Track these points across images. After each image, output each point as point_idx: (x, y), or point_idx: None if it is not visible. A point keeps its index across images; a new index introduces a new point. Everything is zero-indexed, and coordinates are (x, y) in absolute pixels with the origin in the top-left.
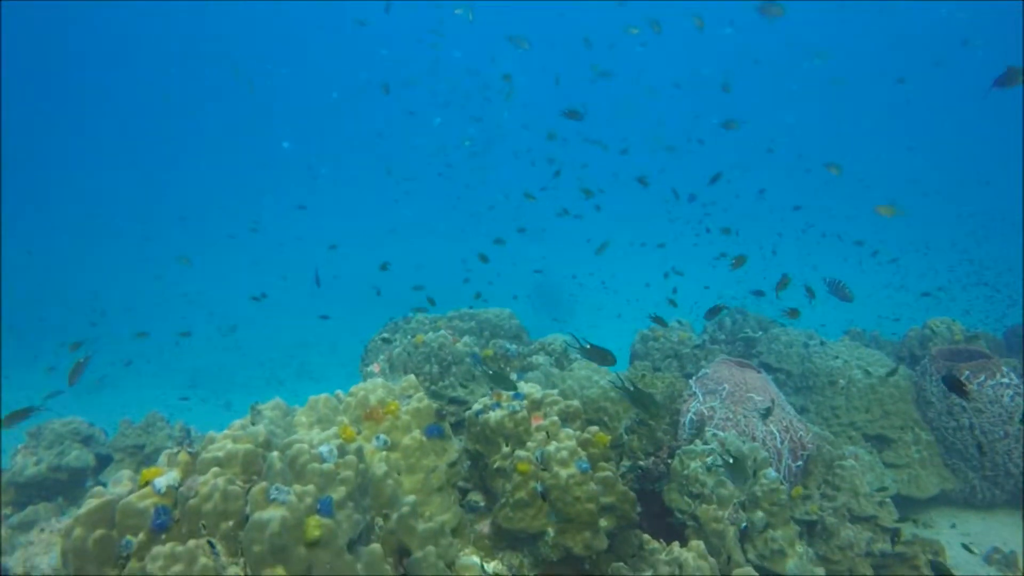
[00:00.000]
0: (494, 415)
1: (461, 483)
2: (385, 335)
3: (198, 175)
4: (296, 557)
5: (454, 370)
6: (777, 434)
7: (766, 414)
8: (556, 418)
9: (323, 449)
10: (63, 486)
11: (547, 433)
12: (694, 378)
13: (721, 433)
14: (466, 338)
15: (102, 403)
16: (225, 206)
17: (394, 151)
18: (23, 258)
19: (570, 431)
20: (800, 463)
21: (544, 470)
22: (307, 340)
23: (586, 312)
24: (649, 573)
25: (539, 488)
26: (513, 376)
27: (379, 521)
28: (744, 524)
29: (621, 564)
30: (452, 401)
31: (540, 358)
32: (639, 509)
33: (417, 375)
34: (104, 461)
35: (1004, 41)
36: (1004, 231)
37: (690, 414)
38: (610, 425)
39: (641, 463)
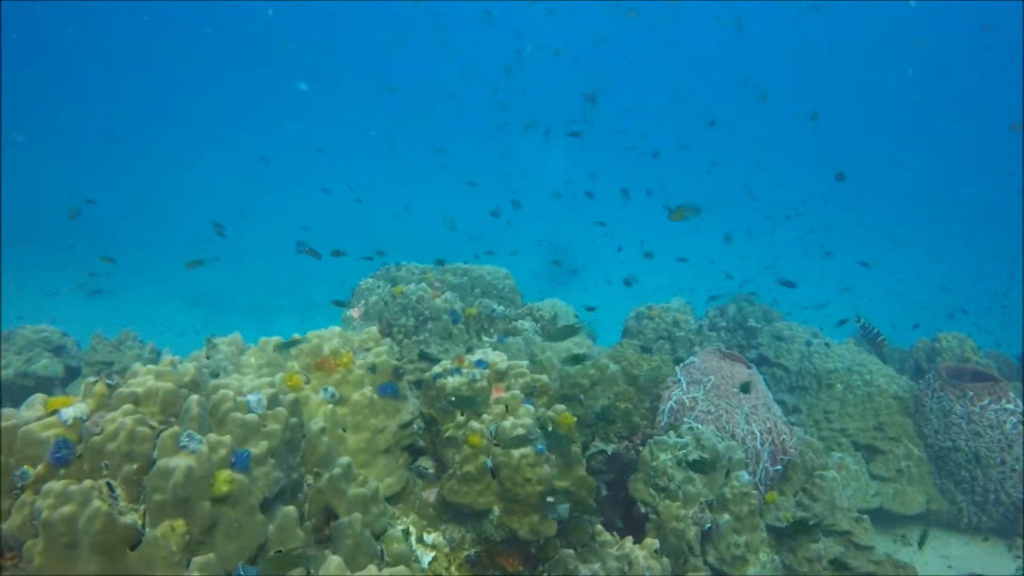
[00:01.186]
0: (452, 380)
1: (421, 446)
2: (369, 282)
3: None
4: (200, 511)
5: (431, 326)
6: (758, 434)
7: (744, 389)
8: (519, 392)
9: (251, 398)
10: (29, 393)
11: (506, 407)
12: (681, 365)
13: (698, 427)
14: (448, 293)
15: (105, 313)
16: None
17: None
18: (25, 164)
19: (530, 408)
20: (779, 467)
21: (497, 446)
22: (317, 275)
23: (594, 279)
24: (597, 566)
25: (489, 464)
26: (492, 339)
27: (309, 479)
28: (708, 525)
29: (570, 553)
30: (424, 357)
31: (526, 323)
32: (603, 494)
33: (392, 327)
34: (73, 373)
35: (1004, 41)
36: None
37: (671, 402)
38: (586, 403)
39: (608, 447)
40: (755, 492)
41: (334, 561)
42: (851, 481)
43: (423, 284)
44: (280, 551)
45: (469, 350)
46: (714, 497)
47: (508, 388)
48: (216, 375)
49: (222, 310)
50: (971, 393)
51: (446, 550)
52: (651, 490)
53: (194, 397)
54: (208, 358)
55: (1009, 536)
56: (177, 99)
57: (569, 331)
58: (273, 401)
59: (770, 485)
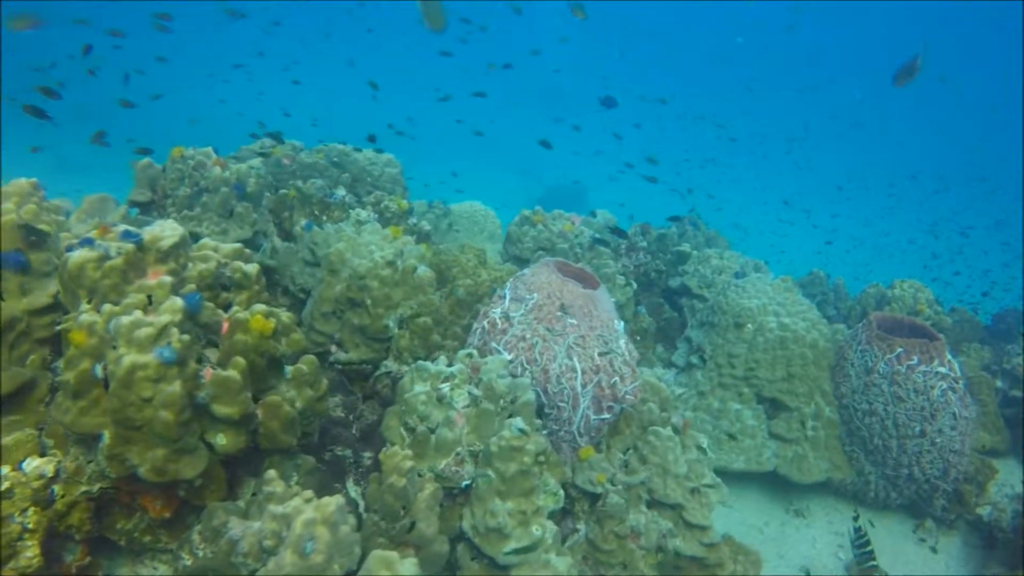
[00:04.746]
0: (77, 256)
1: None
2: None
3: None
4: None
5: (206, 199)
6: (579, 373)
7: (563, 311)
8: (168, 279)
9: None
10: None
11: (149, 298)
12: (514, 277)
13: (477, 355)
14: (256, 168)
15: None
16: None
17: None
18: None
19: (177, 304)
20: (608, 416)
21: (115, 348)
22: None
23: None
24: (257, 525)
25: (98, 372)
26: (300, 226)
27: None
28: (466, 483)
29: (224, 505)
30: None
31: (365, 213)
32: (313, 431)
33: (168, 197)
34: None
35: (1004, 41)
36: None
37: (484, 321)
38: (372, 311)
39: (398, 368)
40: (532, 447)
41: None
42: (745, 438)
43: (207, 148)
44: None
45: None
46: (483, 448)
47: (173, 274)
48: None
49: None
50: (900, 349)
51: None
52: (402, 430)
53: None
54: None
55: (920, 516)
56: None
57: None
58: None
59: (594, 437)
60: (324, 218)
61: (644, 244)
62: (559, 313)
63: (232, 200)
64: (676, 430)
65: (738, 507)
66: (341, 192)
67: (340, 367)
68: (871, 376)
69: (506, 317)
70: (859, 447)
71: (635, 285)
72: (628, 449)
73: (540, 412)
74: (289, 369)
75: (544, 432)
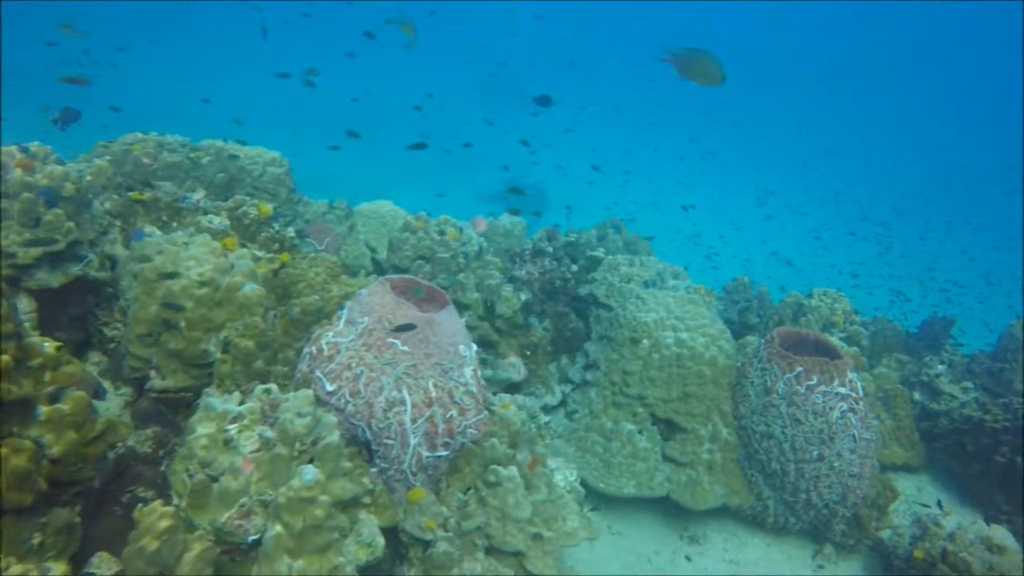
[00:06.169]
0: None
1: None
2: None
3: None
4: None
5: (5, 205)
6: (408, 406)
7: (394, 337)
8: None
9: None
10: None
11: None
12: (353, 298)
13: (277, 389)
14: (81, 170)
15: None
16: None
17: None
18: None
19: None
20: (444, 453)
21: None
22: None
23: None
24: None
25: None
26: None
27: None
28: (251, 538)
29: None
30: None
31: (218, 219)
32: (85, 478)
33: None
34: None
35: (1004, 41)
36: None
37: (312, 346)
38: (188, 334)
39: (158, 388)
40: (323, 498)
41: None
42: (636, 461)
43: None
44: None
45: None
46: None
47: None
48: None
49: None
50: (799, 368)
51: None
52: (184, 477)
53: None
54: None
55: (820, 540)
56: None
57: None
58: None
59: (431, 476)
60: (175, 224)
61: (550, 250)
62: (389, 340)
63: (39, 207)
64: (520, 468)
65: (628, 534)
66: (196, 196)
67: (155, 395)
68: (770, 396)
69: (334, 343)
70: (757, 471)
71: (523, 296)
72: (469, 489)
73: (369, 449)
74: (43, 410)
75: (373, 471)
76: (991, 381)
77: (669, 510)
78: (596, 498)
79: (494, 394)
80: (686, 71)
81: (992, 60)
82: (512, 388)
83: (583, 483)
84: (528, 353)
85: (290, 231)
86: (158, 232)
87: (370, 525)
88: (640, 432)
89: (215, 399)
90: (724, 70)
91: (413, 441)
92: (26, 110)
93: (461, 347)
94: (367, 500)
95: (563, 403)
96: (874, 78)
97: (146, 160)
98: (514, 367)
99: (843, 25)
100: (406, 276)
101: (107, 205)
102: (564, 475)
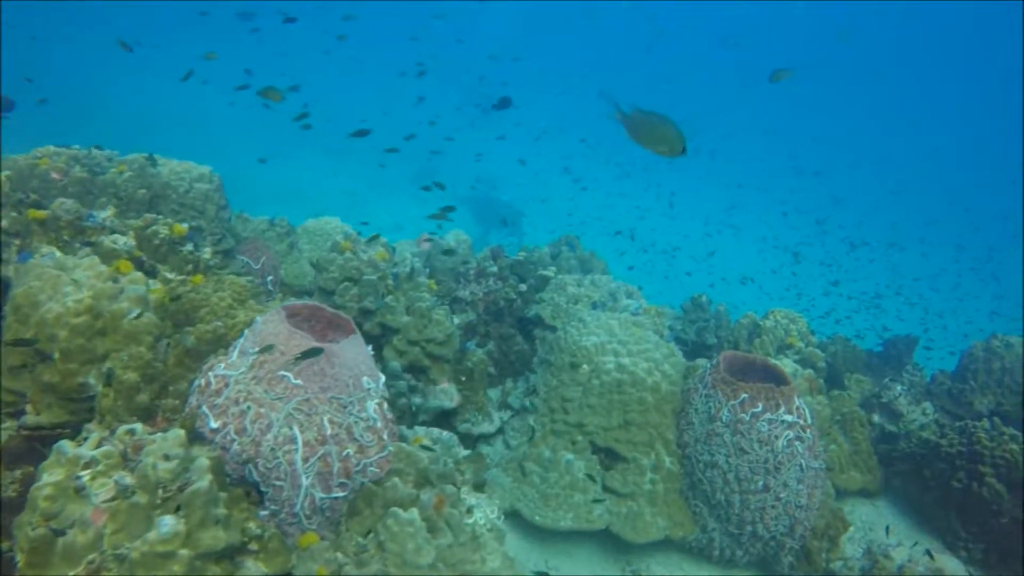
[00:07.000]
0: None
1: None
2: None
3: None
4: None
5: None
6: (299, 445)
7: (300, 359)
8: None
9: None
10: None
11: None
12: (250, 326)
13: (158, 434)
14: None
15: None
16: None
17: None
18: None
19: None
20: (342, 494)
21: None
22: None
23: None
24: None
25: None
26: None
27: None
28: None
29: None
30: None
31: (120, 240)
32: None
33: None
34: None
35: (1004, 41)
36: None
37: (202, 379)
38: (62, 367)
39: (31, 425)
40: (187, 552)
41: None
42: (575, 492)
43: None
44: None
45: None
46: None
47: None
48: None
49: None
50: (744, 395)
51: None
52: (29, 530)
53: None
54: None
55: (769, 573)
56: None
57: None
58: None
59: (330, 517)
60: (77, 245)
61: (494, 269)
62: (280, 373)
63: None
64: (424, 509)
65: (567, 569)
66: (102, 214)
67: (27, 432)
68: (714, 424)
69: (223, 376)
70: (702, 501)
71: (468, 317)
72: (369, 532)
73: (259, 491)
74: None
75: (264, 514)
76: (951, 402)
77: (610, 543)
78: (533, 532)
79: (422, 424)
80: (637, 136)
81: (992, 60)
82: (444, 416)
83: (518, 515)
84: (463, 379)
85: (206, 252)
86: (57, 253)
87: (256, 573)
88: (578, 461)
89: (65, 443)
90: (685, 139)
91: (305, 482)
92: None
93: (364, 379)
94: (254, 547)
95: (501, 431)
96: (863, 81)
97: (55, 176)
98: (446, 394)
99: (827, 24)
100: (310, 303)
101: (4, 223)
102: (484, 512)
